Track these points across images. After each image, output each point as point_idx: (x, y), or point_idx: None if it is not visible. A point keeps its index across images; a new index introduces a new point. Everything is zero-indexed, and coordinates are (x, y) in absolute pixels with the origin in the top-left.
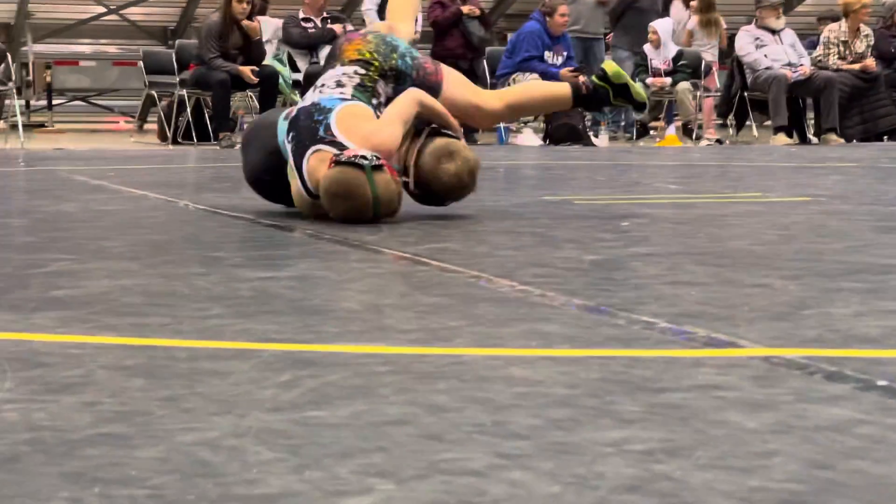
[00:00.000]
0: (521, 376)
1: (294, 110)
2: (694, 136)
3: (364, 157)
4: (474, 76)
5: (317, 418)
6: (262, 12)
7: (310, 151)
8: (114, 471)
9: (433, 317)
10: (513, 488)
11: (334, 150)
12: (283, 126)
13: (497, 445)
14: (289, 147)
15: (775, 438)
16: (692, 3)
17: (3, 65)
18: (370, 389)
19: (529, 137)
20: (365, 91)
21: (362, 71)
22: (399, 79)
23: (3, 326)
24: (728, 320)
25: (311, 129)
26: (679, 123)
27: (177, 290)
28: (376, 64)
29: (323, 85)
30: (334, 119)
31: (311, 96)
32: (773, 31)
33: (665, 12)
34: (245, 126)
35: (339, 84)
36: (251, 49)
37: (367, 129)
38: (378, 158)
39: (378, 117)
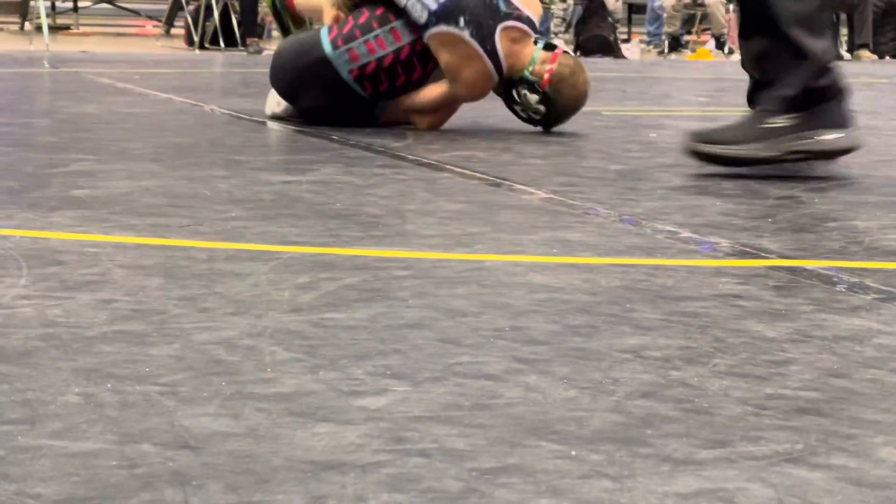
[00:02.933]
0: (542, 283)
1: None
2: (726, 50)
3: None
4: None
5: (334, 320)
6: None
7: (499, 29)
8: (128, 367)
9: (455, 223)
10: (528, 392)
11: (524, 27)
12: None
13: (514, 350)
14: (465, 32)
15: (793, 347)
16: None
17: None
18: (389, 293)
19: None
20: None
21: None
22: None
23: (22, 224)
24: (752, 231)
25: (490, 7)
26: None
27: (198, 192)
28: None
29: None
30: None
31: None
32: None
33: None
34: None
35: None
36: None
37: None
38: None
39: None
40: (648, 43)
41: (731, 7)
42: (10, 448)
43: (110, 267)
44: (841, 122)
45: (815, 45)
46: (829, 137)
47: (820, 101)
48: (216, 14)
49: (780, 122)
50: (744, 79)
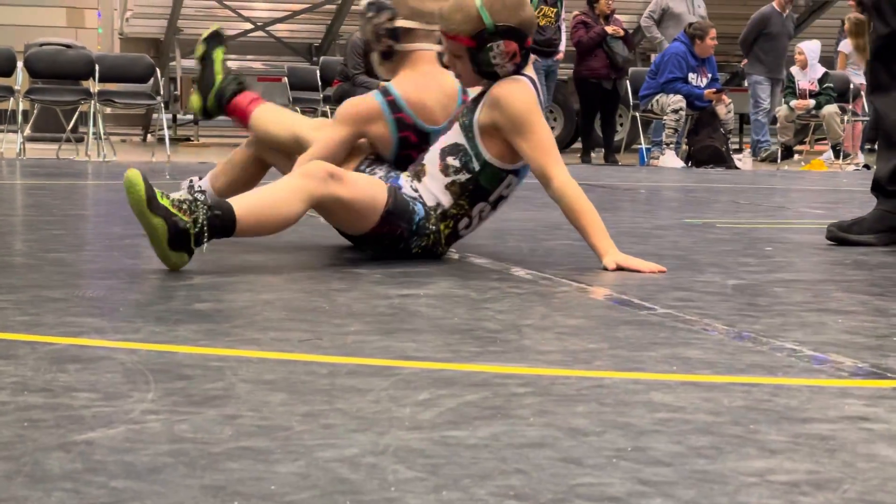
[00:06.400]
0: (662, 402)
1: None
2: (842, 161)
3: None
4: (616, 96)
5: (455, 438)
6: None
7: None
8: (254, 485)
9: (573, 339)
10: None
11: None
12: None
13: (638, 471)
14: None
15: None
16: (846, 27)
17: (151, 80)
18: (509, 410)
19: (671, 159)
20: None
21: None
22: None
23: (148, 338)
24: (876, 350)
25: None
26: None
27: (317, 305)
28: None
29: None
30: None
31: None
32: None
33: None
34: None
35: None
36: None
37: None
38: None
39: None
40: (754, 152)
41: (846, 118)
42: None
43: (234, 381)
44: None
45: None
46: None
47: None
48: None
49: None
50: (858, 189)
